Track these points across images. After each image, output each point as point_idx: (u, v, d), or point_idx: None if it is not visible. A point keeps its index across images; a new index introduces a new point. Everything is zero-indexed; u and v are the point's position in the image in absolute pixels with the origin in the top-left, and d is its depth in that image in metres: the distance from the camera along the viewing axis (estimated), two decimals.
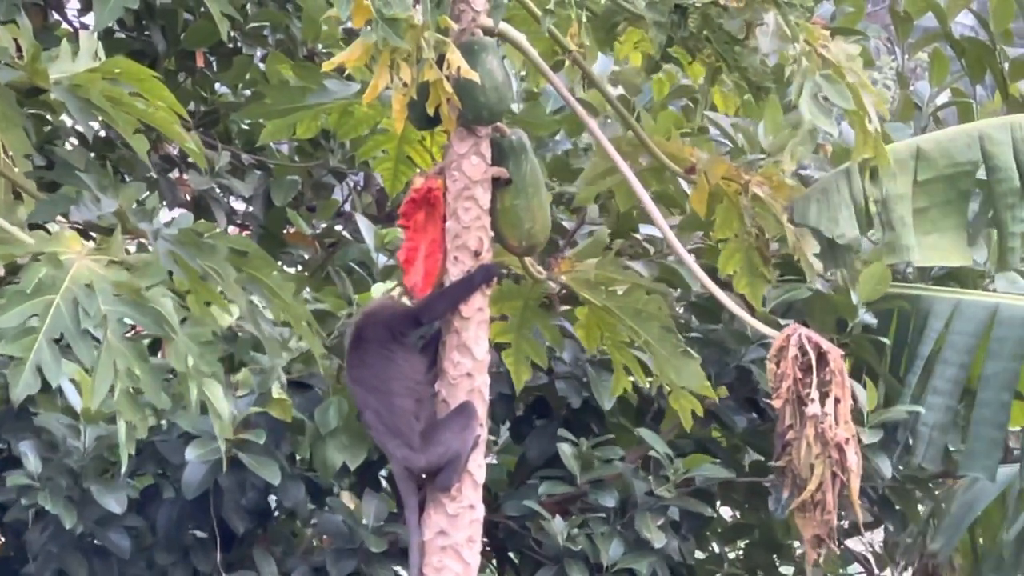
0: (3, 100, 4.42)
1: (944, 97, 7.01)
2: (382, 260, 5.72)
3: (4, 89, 4.40)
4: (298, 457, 5.36)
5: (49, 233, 4.09)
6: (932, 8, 6.74)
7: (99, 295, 3.89)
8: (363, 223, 5.81)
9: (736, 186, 4.89)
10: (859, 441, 4.45)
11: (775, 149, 5.08)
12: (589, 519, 5.50)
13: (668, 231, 4.73)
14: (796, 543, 6.46)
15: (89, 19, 6.32)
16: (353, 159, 6.01)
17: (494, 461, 6.09)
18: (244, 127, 6.55)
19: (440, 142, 4.88)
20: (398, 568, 5.30)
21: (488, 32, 4.51)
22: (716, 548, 6.65)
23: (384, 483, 5.59)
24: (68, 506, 5.06)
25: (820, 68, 4.51)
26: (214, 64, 6.54)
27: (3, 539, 5.51)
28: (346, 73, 4.64)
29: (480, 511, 4.43)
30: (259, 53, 6.52)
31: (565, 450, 5.49)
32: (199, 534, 5.34)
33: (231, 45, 6.46)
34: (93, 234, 4.52)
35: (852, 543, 7.01)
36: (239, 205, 6.68)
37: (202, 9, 6.11)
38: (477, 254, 4.45)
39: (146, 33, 6.29)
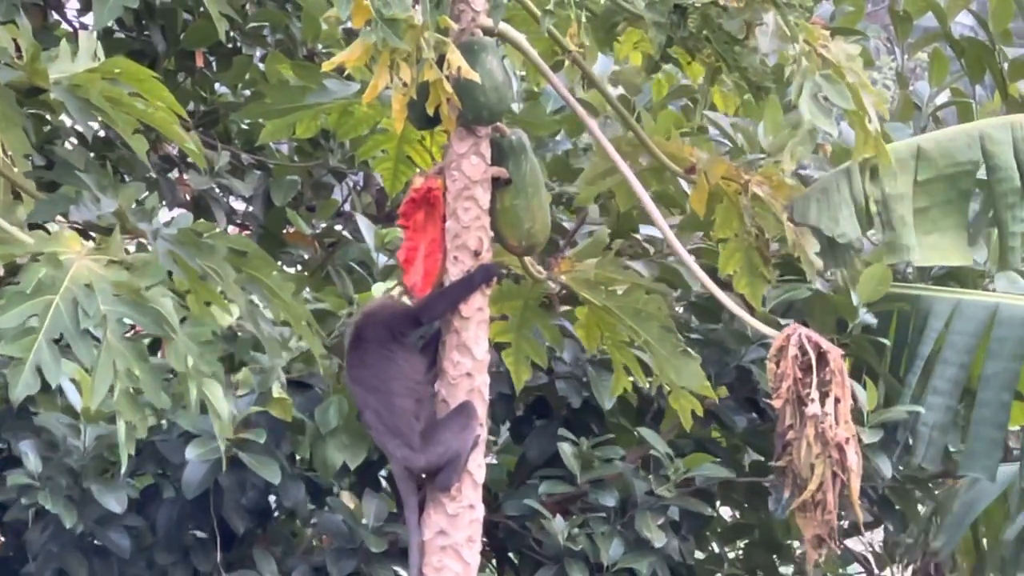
0: (3, 100, 4.42)
1: (944, 97, 7.01)
2: (382, 260, 5.72)
3: (4, 89, 4.39)
4: (298, 457, 5.36)
5: (49, 233, 4.08)
6: (932, 8, 6.74)
7: (99, 295, 3.88)
8: (363, 223, 5.81)
9: (736, 186, 4.90)
10: (859, 441, 4.45)
11: (775, 149, 5.08)
12: (589, 519, 5.49)
13: (668, 231, 4.73)
14: (796, 543, 6.46)
15: (89, 19, 6.32)
16: (353, 159, 6.01)
17: (494, 461, 6.08)
18: (244, 127, 6.54)
19: (440, 142, 4.88)
20: (398, 568, 5.30)
21: (488, 32, 4.51)
22: (716, 548, 6.65)
23: (384, 483, 5.59)
24: (68, 506, 5.05)
25: (820, 68, 4.51)
26: (214, 64, 6.53)
27: (3, 539, 5.50)
28: (346, 73, 4.64)
29: (480, 511, 4.43)
30: (259, 53, 6.51)
31: (565, 450, 5.48)
32: (199, 534, 5.33)
33: (231, 45, 6.45)
34: (93, 234, 4.52)
35: (852, 543, 7.00)
36: (239, 205, 6.67)
37: (201, 9, 6.10)
38: (477, 254, 4.45)
39: (146, 33, 6.28)
